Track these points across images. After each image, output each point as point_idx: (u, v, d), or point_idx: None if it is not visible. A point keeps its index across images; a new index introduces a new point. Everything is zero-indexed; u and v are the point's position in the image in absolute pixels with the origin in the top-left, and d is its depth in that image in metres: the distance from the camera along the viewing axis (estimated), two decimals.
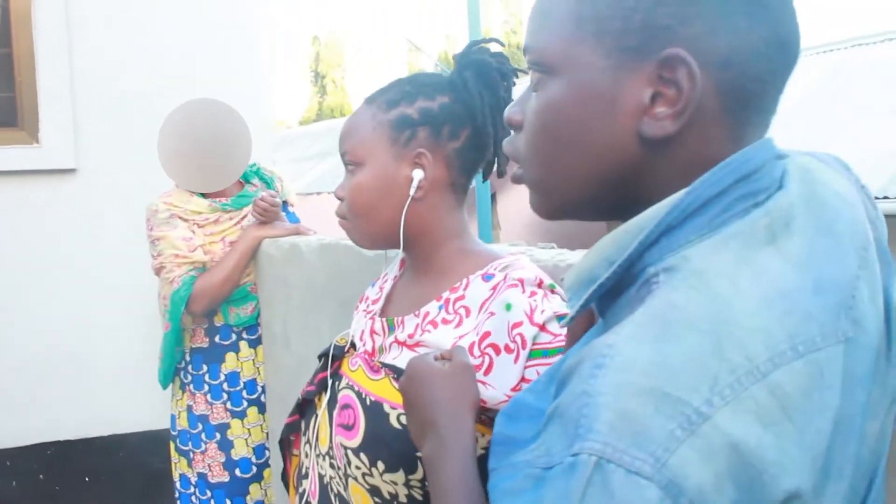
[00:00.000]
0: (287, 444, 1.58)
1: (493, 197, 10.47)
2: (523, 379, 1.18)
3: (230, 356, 2.89)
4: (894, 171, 7.46)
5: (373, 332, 1.38)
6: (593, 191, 0.81)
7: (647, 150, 0.77)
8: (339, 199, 1.41)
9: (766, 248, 0.73)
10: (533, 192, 0.86)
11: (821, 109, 9.50)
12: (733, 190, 0.75)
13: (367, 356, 1.37)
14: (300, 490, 1.46)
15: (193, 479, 2.92)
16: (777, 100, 0.80)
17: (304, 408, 1.52)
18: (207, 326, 2.88)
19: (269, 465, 2.93)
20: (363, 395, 1.30)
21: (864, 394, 0.74)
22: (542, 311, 1.21)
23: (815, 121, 9.26)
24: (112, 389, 3.75)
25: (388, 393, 1.28)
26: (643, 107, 0.76)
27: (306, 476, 1.44)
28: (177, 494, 2.98)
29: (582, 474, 0.64)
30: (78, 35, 3.73)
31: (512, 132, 0.90)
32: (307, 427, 1.47)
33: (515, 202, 11.56)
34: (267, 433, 2.92)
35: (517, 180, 0.88)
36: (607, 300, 0.81)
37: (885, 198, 7.18)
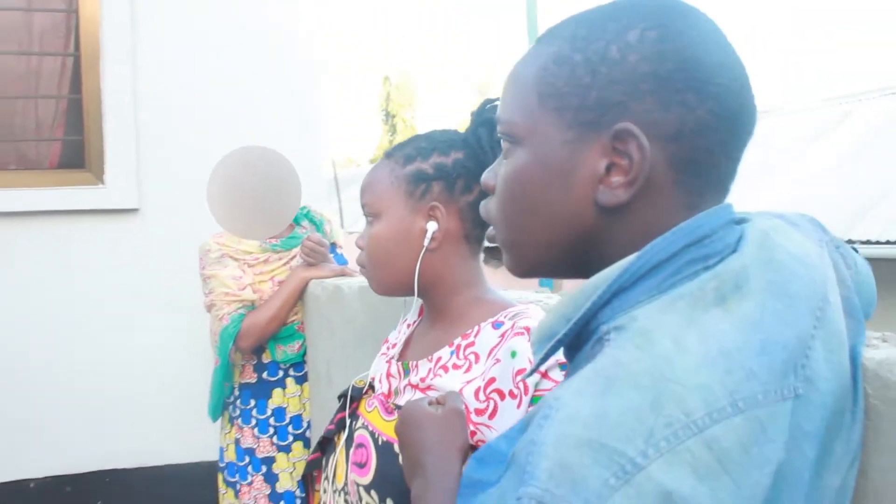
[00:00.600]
0: (310, 479, 1.65)
1: None
2: None
3: (277, 392, 2.98)
4: None
5: (389, 374, 1.45)
6: (556, 253, 0.88)
7: (603, 216, 0.83)
8: (359, 248, 1.49)
9: (713, 308, 0.78)
10: (504, 252, 0.93)
11: (884, 153, 9.36)
12: (684, 254, 0.81)
13: (383, 398, 1.44)
14: None
15: None
16: (734, 168, 0.86)
17: (325, 445, 1.59)
18: (256, 363, 2.98)
19: None
20: (376, 435, 1.37)
21: (815, 449, 0.78)
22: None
23: (878, 164, 9.13)
24: (164, 421, 3.87)
25: None
26: (599, 176, 0.82)
27: None
28: None
29: None
30: (142, 82, 3.90)
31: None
32: (327, 464, 1.54)
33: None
34: None
35: (491, 240, 0.95)
36: (572, 352, 0.87)
37: None
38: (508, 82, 0.90)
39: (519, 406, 1.25)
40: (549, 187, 0.85)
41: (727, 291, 0.79)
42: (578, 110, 0.83)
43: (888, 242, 7.58)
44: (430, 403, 1.18)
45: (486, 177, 0.95)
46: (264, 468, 2.98)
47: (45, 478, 3.78)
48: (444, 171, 1.40)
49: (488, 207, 0.95)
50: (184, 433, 3.84)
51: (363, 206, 1.47)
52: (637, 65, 0.81)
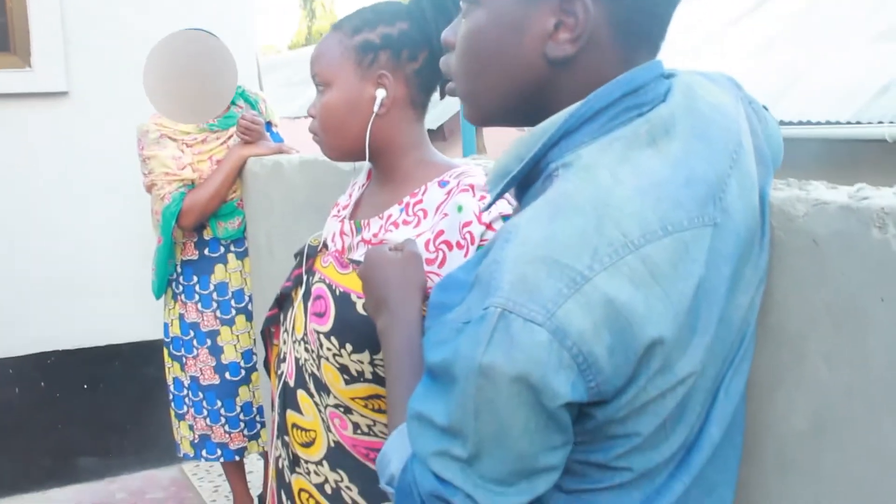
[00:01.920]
0: (268, 334, 1.77)
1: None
2: None
3: (219, 268, 3.08)
4: (866, 100, 7.59)
5: (342, 233, 1.56)
6: (510, 102, 0.99)
7: (551, 69, 0.95)
8: (311, 116, 1.57)
9: (646, 149, 0.91)
10: (463, 102, 1.04)
11: (803, 36, 9.58)
12: (621, 102, 0.93)
13: (337, 254, 1.55)
14: (279, 372, 1.65)
15: (186, 382, 3.13)
16: (664, 29, 0.97)
17: (283, 302, 1.70)
18: (197, 240, 3.06)
19: (256, 370, 3.14)
20: (333, 287, 1.49)
21: (730, 269, 0.93)
22: (489, 212, 1.38)
23: (797, 47, 9.35)
24: (106, 302, 3.93)
25: (355, 285, 1.46)
26: (548, 32, 0.93)
27: (284, 360, 1.63)
28: (171, 397, 3.20)
29: (489, 323, 0.83)
30: None
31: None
32: (285, 318, 1.65)
33: (500, 127, 11.64)
34: (254, 339, 3.12)
35: (450, 93, 1.06)
36: (522, 191, 1.00)
37: (858, 123, 7.32)
38: None
39: (465, 255, 1.37)
40: (503, 43, 0.96)
41: (657, 135, 0.92)
42: None
43: (800, 123, 7.85)
44: (391, 249, 1.29)
45: (446, 34, 1.06)
46: (209, 341, 3.09)
47: None
48: (391, 41, 1.48)
49: (448, 62, 1.05)
50: (127, 312, 3.91)
51: (314, 77, 1.54)
52: None
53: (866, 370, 0.97)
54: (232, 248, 3.09)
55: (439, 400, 0.90)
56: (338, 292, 1.47)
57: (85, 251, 3.90)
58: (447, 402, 0.88)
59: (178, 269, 3.09)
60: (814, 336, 1.03)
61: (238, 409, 3.13)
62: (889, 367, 0.95)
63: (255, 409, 3.16)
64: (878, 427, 0.97)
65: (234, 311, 3.10)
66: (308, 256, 1.62)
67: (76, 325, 3.91)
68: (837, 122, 7.54)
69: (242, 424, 3.14)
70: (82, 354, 3.94)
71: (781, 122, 7.77)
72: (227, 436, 3.14)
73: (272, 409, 1.69)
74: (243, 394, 3.13)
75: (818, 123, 7.71)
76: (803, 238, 1.02)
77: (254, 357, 3.13)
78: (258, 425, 3.17)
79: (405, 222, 1.45)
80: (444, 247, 1.39)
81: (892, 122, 7.01)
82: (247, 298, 3.12)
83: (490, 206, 1.03)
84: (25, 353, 3.86)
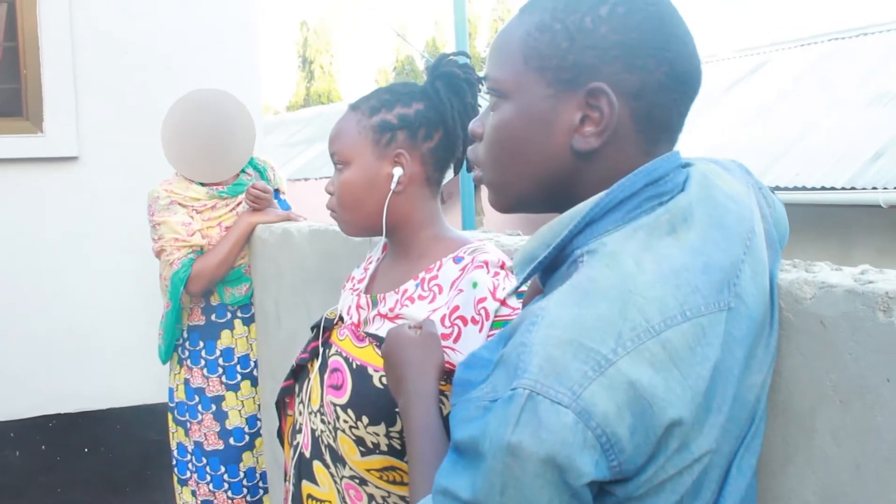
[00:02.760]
0: (282, 405, 1.80)
1: (477, 186, 10.65)
2: None
3: (225, 333, 3.11)
4: (860, 165, 7.70)
5: (358, 306, 1.60)
6: (535, 190, 1.05)
7: (577, 160, 1.01)
8: (329, 193, 1.62)
9: (666, 237, 0.96)
10: (489, 190, 1.10)
11: (799, 101, 9.74)
12: (643, 192, 0.98)
13: (353, 327, 1.59)
14: (294, 443, 1.68)
15: (190, 448, 3.14)
16: (682, 122, 1.04)
17: (298, 373, 1.74)
18: (204, 305, 3.09)
19: (260, 435, 3.15)
20: (350, 360, 1.52)
21: (743, 351, 0.97)
22: (504, 289, 1.43)
23: (793, 112, 9.50)
24: (110, 366, 3.95)
25: (371, 358, 1.50)
26: (574, 126, 1.00)
27: (300, 431, 1.66)
28: (174, 462, 3.20)
29: (517, 403, 0.87)
30: (80, 28, 3.91)
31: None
32: (300, 389, 1.69)
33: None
34: (259, 405, 3.13)
35: (477, 181, 1.12)
36: (547, 275, 1.04)
37: (853, 188, 7.42)
38: (495, 45, 1.07)
39: (480, 331, 1.41)
40: (531, 135, 1.02)
41: (677, 223, 0.97)
42: (558, 70, 1.00)
43: (795, 188, 7.95)
44: (410, 328, 1.34)
45: (474, 125, 1.11)
46: (214, 406, 3.11)
47: None
48: (408, 121, 1.54)
49: (476, 152, 1.11)
50: (131, 375, 3.93)
51: (332, 155, 1.60)
52: (608, 35, 0.98)
53: (874, 447, 1.01)
54: (239, 314, 3.13)
55: (465, 475, 0.93)
56: (354, 365, 1.51)
57: (90, 314, 3.93)
58: (473, 478, 0.92)
59: (185, 335, 3.12)
60: (822, 414, 1.07)
61: (242, 474, 3.14)
62: None
63: (258, 474, 3.16)
64: (887, 502, 1.00)
65: (239, 377, 3.12)
66: (324, 329, 1.66)
67: (79, 387, 3.93)
68: (832, 188, 7.64)
69: (245, 490, 3.14)
70: (84, 418, 3.95)
71: (777, 188, 7.89)
72: (229, 502, 3.13)
73: (286, 480, 1.71)
74: (247, 459, 3.14)
75: (813, 189, 7.81)
76: (811, 320, 1.06)
77: (258, 423, 3.15)
78: (261, 491, 3.17)
79: (421, 297, 1.50)
80: (459, 322, 1.43)
81: (885, 188, 7.12)
82: (252, 364, 3.14)
83: (516, 290, 1.08)
84: (27, 416, 3.87)
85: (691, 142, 9.42)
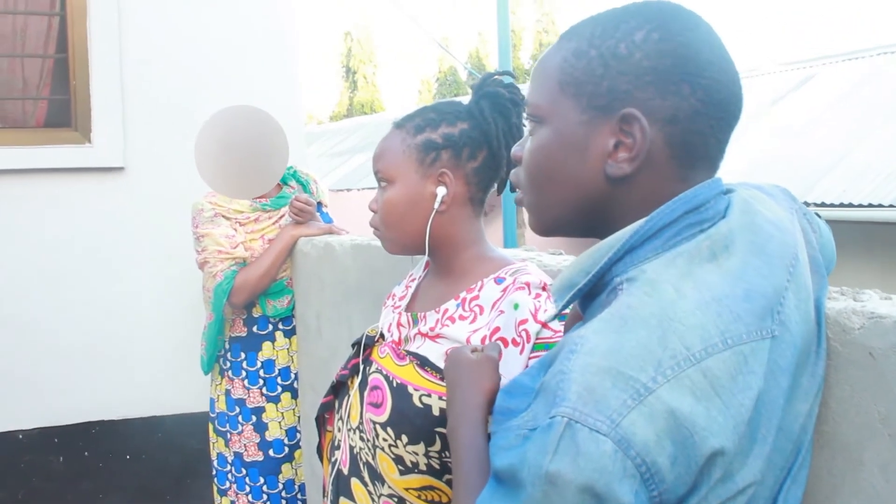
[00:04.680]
0: (322, 421, 1.80)
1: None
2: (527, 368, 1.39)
3: (266, 345, 3.13)
4: None
5: (399, 324, 1.60)
6: (572, 215, 1.05)
7: (611, 185, 1.00)
8: (372, 211, 1.63)
9: (707, 264, 0.95)
10: (528, 213, 1.10)
11: (846, 116, 9.61)
12: (683, 219, 0.97)
13: (394, 345, 1.59)
14: (332, 459, 1.68)
15: (230, 458, 3.16)
16: (722, 148, 1.02)
17: (338, 389, 1.74)
18: (246, 317, 3.11)
19: (299, 447, 3.16)
20: (391, 378, 1.52)
21: (788, 379, 0.95)
22: (545, 311, 1.42)
23: (840, 127, 9.38)
24: (153, 374, 3.99)
25: (411, 377, 1.49)
26: (608, 152, 0.99)
27: (338, 447, 1.66)
28: (214, 472, 3.23)
29: (556, 431, 0.86)
30: (128, 40, 3.97)
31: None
32: (340, 406, 1.69)
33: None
34: (299, 417, 3.15)
35: (518, 203, 1.12)
36: (586, 302, 1.04)
37: None
38: (535, 71, 1.07)
39: (521, 352, 1.40)
40: (567, 160, 1.02)
41: (718, 250, 0.96)
42: (592, 96, 1.00)
43: (842, 205, 7.85)
44: (473, 351, 1.33)
45: (515, 149, 1.12)
46: (254, 418, 3.13)
47: (34, 429, 3.89)
48: (452, 141, 1.54)
49: (518, 175, 1.11)
50: (173, 385, 3.97)
51: (376, 173, 1.60)
52: (641, 60, 0.98)
53: None
54: (280, 326, 3.14)
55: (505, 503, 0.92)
56: (395, 384, 1.51)
57: (134, 323, 3.98)
58: None
59: (227, 346, 3.15)
60: (870, 446, 1.05)
61: (280, 486, 3.15)
62: None
63: (297, 486, 3.17)
64: None
65: (280, 389, 3.14)
66: (365, 346, 1.66)
67: (122, 395, 3.97)
68: (880, 205, 7.53)
69: (284, 502, 3.16)
70: (126, 425, 3.99)
71: (823, 204, 7.79)
72: None
73: (324, 496, 1.72)
74: (286, 471, 3.15)
75: (860, 206, 7.70)
76: (860, 350, 1.05)
77: (297, 435, 3.16)
78: (299, 503, 3.18)
79: (461, 317, 1.49)
80: (499, 343, 1.42)
81: None
82: (293, 376, 3.15)
83: (555, 317, 1.07)
84: (71, 423, 3.92)
85: (735, 156, 9.33)
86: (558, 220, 1.07)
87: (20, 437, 3.88)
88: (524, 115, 1.11)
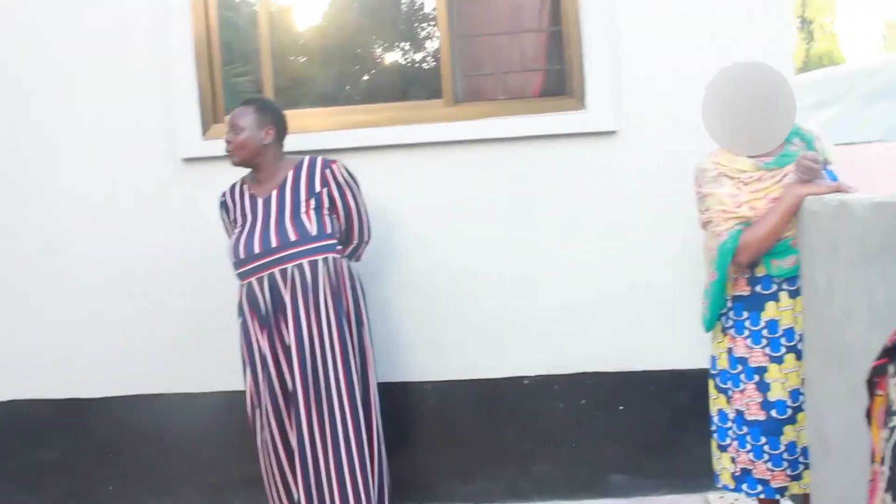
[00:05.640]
0: (871, 385, 1.75)
1: None
2: None
3: (770, 305, 3.10)
4: None
5: None
6: None
7: None
8: None
9: None
10: None
11: None
12: None
13: None
14: (891, 425, 1.63)
15: (731, 415, 3.19)
16: None
17: (892, 353, 1.68)
18: (749, 276, 3.11)
19: (802, 409, 3.09)
20: None
21: None
22: None
23: None
24: (650, 331, 4.15)
25: None
26: None
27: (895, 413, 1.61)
28: (714, 428, 3.28)
29: None
30: (620, 12, 4.12)
31: None
32: None
33: None
34: (803, 379, 3.08)
35: None
36: None
37: None
38: None
39: None
40: None
41: None
42: None
43: None
44: None
45: None
46: (756, 377, 3.12)
47: (538, 376, 4.25)
48: None
49: None
50: (670, 341, 4.10)
51: None
52: None
53: None
54: (784, 286, 3.09)
55: None
56: None
57: (627, 283, 4.16)
58: None
59: (729, 304, 3.17)
60: None
61: (782, 447, 3.12)
62: None
63: (798, 449, 3.12)
64: None
65: (783, 350, 3.09)
66: None
67: (617, 350, 4.18)
68: None
69: (786, 464, 3.12)
70: (620, 377, 4.20)
71: None
72: (769, 473, 3.13)
73: (880, 463, 1.67)
74: (788, 433, 3.11)
75: None
76: None
77: (800, 397, 3.09)
78: (801, 466, 3.13)
79: None
80: None
81: None
82: (797, 338, 3.09)
83: None
84: (571, 372, 4.21)
85: None
86: None
87: (525, 381, 4.26)
88: None
